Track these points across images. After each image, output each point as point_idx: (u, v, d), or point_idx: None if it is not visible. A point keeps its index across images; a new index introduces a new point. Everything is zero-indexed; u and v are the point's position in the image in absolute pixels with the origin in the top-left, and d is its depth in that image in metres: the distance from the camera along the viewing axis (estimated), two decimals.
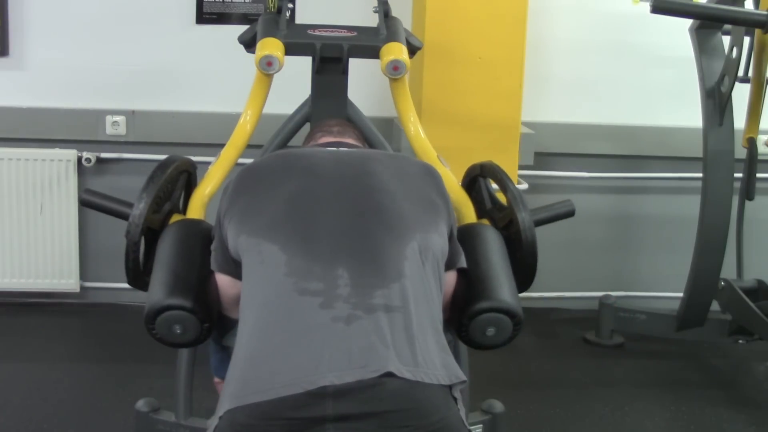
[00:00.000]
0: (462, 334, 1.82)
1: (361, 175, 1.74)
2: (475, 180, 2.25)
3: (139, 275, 2.01)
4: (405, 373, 1.43)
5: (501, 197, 2.14)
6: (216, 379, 1.94)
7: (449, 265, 1.80)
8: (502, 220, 2.07)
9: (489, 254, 1.92)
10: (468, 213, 2.21)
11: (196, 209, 2.20)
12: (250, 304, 1.59)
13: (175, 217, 2.08)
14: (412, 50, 2.50)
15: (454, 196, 2.22)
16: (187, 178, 2.21)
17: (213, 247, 1.83)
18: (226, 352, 1.86)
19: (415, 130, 2.43)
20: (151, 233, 2.01)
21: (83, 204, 2.15)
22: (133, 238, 1.96)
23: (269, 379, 1.43)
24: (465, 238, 1.94)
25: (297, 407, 1.40)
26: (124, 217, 2.05)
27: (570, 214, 2.19)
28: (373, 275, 1.56)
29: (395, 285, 1.55)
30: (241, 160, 1.84)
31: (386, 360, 1.43)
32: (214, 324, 1.80)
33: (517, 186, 2.10)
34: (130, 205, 2.03)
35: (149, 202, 1.98)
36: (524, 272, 2.01)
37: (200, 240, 1.92)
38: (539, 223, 2.11)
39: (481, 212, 2.20)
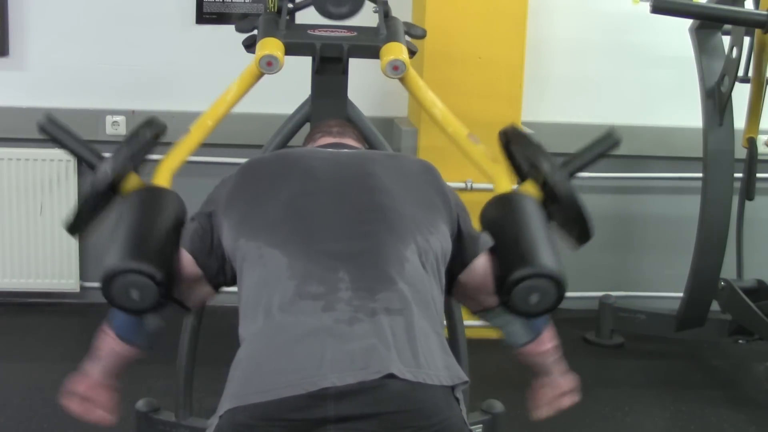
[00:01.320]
0: (508, 306, 1.78)
1: (361, 177, 1.73)
2: (508, 147, 2.17)
3: (82, 224, 1.96)
4: (406, 375, 1.42)
5: None
6: (109, 332, 1.84)
7: (472, 254, 1.79)
8: (539, 180, 2.00)
9: (522, 221, 1.87)
10: (501, 184, 2.15)
11: (164, 178, 2.14)
12: (252, 307, 1.58)
13: (134, 178, 2.01)
14: (413, 48, 2.50)
15: (487, 169, 2.20)
16: (154, 141, 2.14)
17: (193, 227, 1.81)
18: (138, 320, 1.81)
19: (441, 112, 2.39)
20: (110, 188, 1.96)
21: (41, 130, 2.04)
22: (100, 188, 1.91)
23: (270, 380, 1.43)
24: (497, 209, 1.92)
25: (298, 408, 1.40)
26: (85, 160, 2.01)
27: (614, 145, 2.07)
28: (374, 278, 1.56)
29: (396, 287, 1.55)
30: (236, 160, 1.83)
31: (388, 362, 1.43)
32: (170, 297, 1.76)
33: (539, 144, 2.03)
34: (92, 151, 2.00)
35: (128, 158, 1.95)
36: (576, 224, 1.96)
37: (170, 211, 1.89)
38: (579, 169, 2.04)
39: (522, 176, 2.12)
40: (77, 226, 1.98)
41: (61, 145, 2.07)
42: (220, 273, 1.78)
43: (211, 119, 2.36)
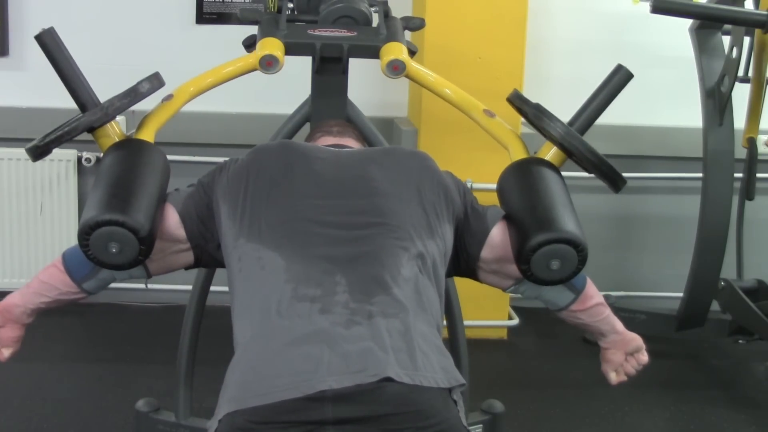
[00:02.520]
0: (528, 275, 1.73)
1: (360, 180, 1.74)
2: (522, 111, 2.13)
3: (48, 149, 1.90)
4: (404, 378, 1.42)
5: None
6: (59, 264, 1.78)
7: (484, 232, 1.77)
8: (554, 140, 1.98)
9: (538, 187, 1.84)
10: (516, 151, 2.09)
11: (148, 133, 2.08)
12: (249, 310, 1.59)
13: (117, 128, 1.99)
14: (413, 48, 2.49)
15: (504, 139, 2.14)
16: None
17: (189, 192, 1.79)
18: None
19: (454, 90, 2.36)
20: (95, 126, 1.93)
21: (38, 39, 1.96)
22: (85, 125, 1.88)
23: (269, 383, 1.43)
24: (513, 176, 1.91)
25: (296, 411, 1.40)
26: (74, 93, 1.98)
27: (626, 77, 2.03)
28: (371, 281, 1.56)
29: (393, 291, 1.55)
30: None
31: (385, 365, 1.43)
32: (148, 255, 1.71)
33: (538, 105, 1.99)
34: (87, 88, 1.99)
35: (123, 107, 1.92)
36: (601, 172, 1.92)
37: (155, 166, 1.86)
38: (595, 117, 2.00)
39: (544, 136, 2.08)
40: (44, 150, 1.90)
41: (55, 65, 2.00)
42: (210, 245, 1.76)
43: (195, 86, 2.32)
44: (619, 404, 3.12)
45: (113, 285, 1.88)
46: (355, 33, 2.43)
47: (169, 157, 2.01)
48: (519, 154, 2.09)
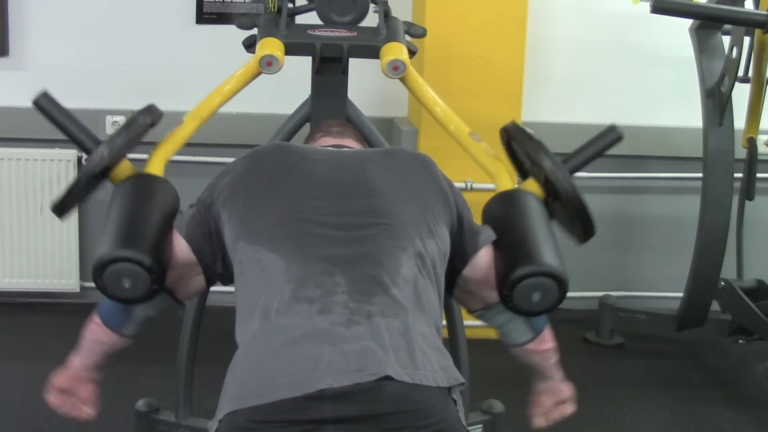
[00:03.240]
0: (509, 305, 1.77)
1: (360, 181, 1.73)
2: (509, 144, 2.17)
3: (69, 206, 1.94)
4: (403, 376, 1.43)
5: None
6: (96, 319, 1.84)
7: (473, 248, 1.79)
8: (540, 177, 2.00)
9: (523, 219, 1.87)
10: (502, 182, 2.13)
11: (157, 166, 2.12)
12: (248, 311, 1.59)
13: (126, 164, 2.01)
14: (413, 48, 2.50)
15: (489, 167, 2.19)
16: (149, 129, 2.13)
17: (191, 213, 1.80)
18: (126, 307, 1.81)
19: (442, 110, 2.38)
20: (102, 172, 1.95)
21: (36, 105, 2.01)
22: (95, 170, 1.90)
23: (268, 383, 1.43)
24: (499, 207, 1.92)
25: (296, 410, 1.40)
26: (79, 143, 1.99)
27: (616, 140, 2.05)
28: (371, 282, 1.56)
29: (392, 291, 1.55)
30: (227, 160, 1.83)
31: (384, 364, 1.43)
32: (163, 285, 1.75)
33: (539, 141, 2.01)
34: (88, 133, 1.99)
35: (126, 143, 1.93)
36: (579, 221, 1.96)
37: (163, 199, 1.88)
38: (581, 165, 2.03)
39: (524, 173, 2.12)
40: (64, 207, 1.94)
41: (56, 123, 2.03)
42: (218, 262, 1.77)
43: (205, 110, 2.34)
44: (619, 404, 3.12)
45: None
46: (355, 33, 2.44)
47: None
48: (506, 185, 2.12)
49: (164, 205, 1.86)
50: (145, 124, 1.99)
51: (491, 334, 1.99)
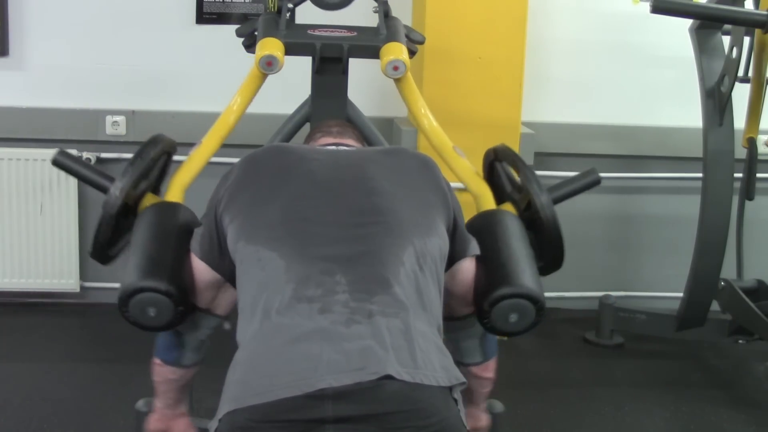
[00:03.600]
0: (485, 322, 1.79)
1: (359, 179, 1.74)
2: (492, 165, 2.22)
3: (105, 248, 1.98)
4: (404, 376, 1.43)
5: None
6: (156, 360, 1.90)
7: (460, 255, 1.80)
8: (522, 202, 2.03)
9: (508, 240, 1.89)
10: (486, 201, 2.16)
11: (175, 194, 2.16)
12: (249, 310, 1.59)
13: (150, 197, 2.05)
14: (413, 48, 2.50)
15: (472, 185, 2.22)
16: (166, 159, 2.17)
17: (200, 232, 1.81)
18: (175, 337, 1.85)
19: (429, 123, 2.40)
20: (125, 208, 1.97)
21: (55, 164, 2.09)
22: (111, 210, 1.93)
23: (269, 382, 1.43)
24: (483, 225, 1.94)
25: (296, 409, 1.40)
26: (97, 186, 2.03)
27: (595, 182, 2.14)
28: (372, 281, 1.56)
29: (393, 290, 1.55)
30: (235, 161, 1.83)
31: (385, 363, 1.43)
32: (189, 308, 1.78)
33: (530, 167, 2.06)
34: (105, 176, 2.03)
35: (135, 177, 1.96)
36: (551, 252, 1.98)
37: (180, 225, 1.91)
38: (562, 198, 2.07)
39: (503, 196, 2.16)
40: (100, 251, 1.99)
41: (75, 175, 2.10)
42: (231, 276, 1.77)
43: (222, 130, 2.37)
44: (619, 404, 3.12)
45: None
46: (355, 33, 2.44)
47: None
48: (489, 204, 2.14)
49: (182, 230, 1.88)
50: (151, 156, 2.02)
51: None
